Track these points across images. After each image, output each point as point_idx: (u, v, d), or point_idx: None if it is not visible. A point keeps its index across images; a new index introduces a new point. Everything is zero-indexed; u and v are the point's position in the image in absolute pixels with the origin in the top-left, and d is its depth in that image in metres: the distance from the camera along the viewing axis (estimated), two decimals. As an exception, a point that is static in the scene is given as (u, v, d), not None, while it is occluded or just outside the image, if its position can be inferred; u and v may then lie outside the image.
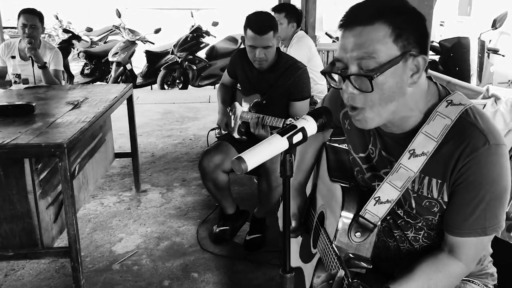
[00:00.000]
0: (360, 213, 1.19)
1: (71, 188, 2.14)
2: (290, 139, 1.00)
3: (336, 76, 1.14)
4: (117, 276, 2.51)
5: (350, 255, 1.17)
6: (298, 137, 1.01)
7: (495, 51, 5.41)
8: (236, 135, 2.78)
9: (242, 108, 2.80)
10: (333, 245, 1.21)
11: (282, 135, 1.00)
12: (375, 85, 1.04)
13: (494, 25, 4.66)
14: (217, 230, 2.84)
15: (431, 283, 1.14)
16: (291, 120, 2.35)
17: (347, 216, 1.22)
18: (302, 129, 1.02)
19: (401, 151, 1.15)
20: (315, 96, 3.83)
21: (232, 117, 2.89)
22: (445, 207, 1.16)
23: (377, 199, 1.18)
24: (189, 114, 5.88)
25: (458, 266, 1.16)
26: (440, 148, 1.10)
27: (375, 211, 1.18)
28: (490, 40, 5.88)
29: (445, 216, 1.17)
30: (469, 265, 1.18)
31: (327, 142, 1.58)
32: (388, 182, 1.16)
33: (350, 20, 1.07)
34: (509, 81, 5.96)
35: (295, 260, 1.54)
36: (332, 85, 1.16)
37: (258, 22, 2.50)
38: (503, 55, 5.47)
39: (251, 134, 2.62)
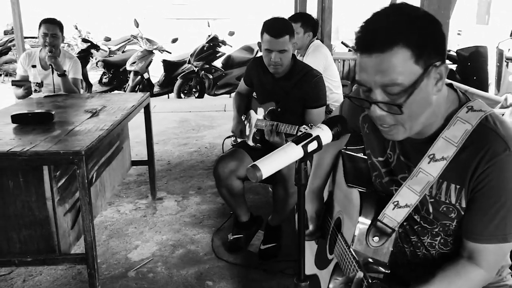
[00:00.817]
0: (378, 218, 1.19)
1: (89, 195, 2.17)
2: (305, 147, 1.00)
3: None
4: (132, 283, 2.52)
5: (369, 259, 1.17)
6: (313, 146, 1.02)
7: (514, 60, 5.34)
8: (251, 143, 2.79)
9: (257, 116, 2.81)
10: (351, 249, 1.21)
11: (297, 144, 1.01)
12: (404, 108, 1.03)
13: (513, 34, 4.61)
14: (232, 238, 2.84)
15: (451, 286, 1.13)
16: (305, 127, 2.35)
17: (365, 221, 1.22)
18: (317, 138, 1.03)
19: (419, 157, 1.15)
20: (331, 105, 3.83)
21: (247, 125, 2.90)
22: (462, 213, 1.15)
23: (396, 203, 1.18)
24: (205, 123, 5.92)
25: (478, 272, 1.15)
26: (460, 153, 1.10)
27: (393, 215, 1.18)
28: (509, 49, 5.81)
29: (464, 222, 1.16)
30: (490, 272, 1.17)
31: (343, 150, 1.58)
32: (407, 186, 1.16)
33: (367, 45, 1.04)
34: (528, 90, 5.87)
35: (310, 268, 1.54)
36: (358, 105, 1.14)
37: (274, 26, 2.53)
38: (522, 64, 5.40)
39: (266, 141, 2.62)
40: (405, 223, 1.25)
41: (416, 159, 1.16)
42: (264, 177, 0.95)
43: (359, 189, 1.31)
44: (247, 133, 2.86)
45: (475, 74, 5.13)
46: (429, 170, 1.13)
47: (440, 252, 1.25)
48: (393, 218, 1.18)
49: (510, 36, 4.73)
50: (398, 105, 1.02)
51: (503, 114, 2.34)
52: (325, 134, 1.05)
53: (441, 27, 1.07)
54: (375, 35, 1.03)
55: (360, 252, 1.20)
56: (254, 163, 0.95)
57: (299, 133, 2.34)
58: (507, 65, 5.28)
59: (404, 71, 1.01)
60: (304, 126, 2.40)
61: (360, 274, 1.09)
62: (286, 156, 0.99)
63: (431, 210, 1.19)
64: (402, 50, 1.00)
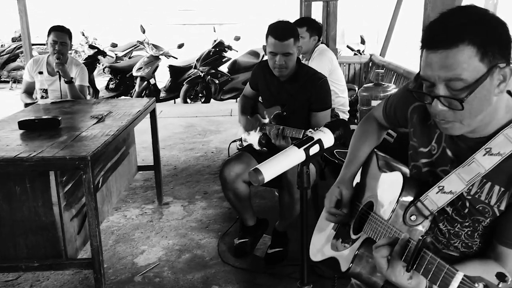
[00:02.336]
0: (420, 198, 1.21)
1: (95, 201, 2.19)
2: (307, 151, 1.01)
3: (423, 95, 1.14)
4: (139, 288, 2.53)
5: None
6: (315, 149, 1.02)
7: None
8: (257, 147, 2.80)
9: (264, 120, 2.81)
10: (388, 223, 1.22)
11: (299, 147, 1.01)
12: (465, 104, 1.05)
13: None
14: (238, 242, 2.84)
15: (488, 271, 1.13)
16: (311, 131, 2.35)
17: (406, 199, 1.23)
18: (319, 141, 1.03)
19: (468, 154, 1.16)
20: (337, 109, 3.83)
21: (254, 129, 2.90)
22: (497, 214, 1.16)
23: (441, 188, 1.19)
24: (211, 127, 5.94)
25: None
26: (511, 157, 1.11)
27: (436, 199, 1.19)
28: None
29: (499, 224, 1.17)
30: None
31: (377, 152, 1.58)
32: (457, 174, 1.17)
33: (434, 43, 1.07)
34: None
35: (325, 252, 1.53)
36: (420, 101, 1.17)
37: (279, 29, 2.54)
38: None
39: (272, 145, 2.62)
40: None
41: (464, 156, 1.18)
42: (266, 180, 0.96)
43: (402, 173, 1.31)
44: (253, 137, 2.87)
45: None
46: (482, 162, 1.13)
47: (464, 243, 1.26)
48: (435, 201, 1.19)
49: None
50: (460, 100, 1.04)
51: None
52: (327, 137, 1.05)
53: (508, 30, 1.09)
54: (442, 32, 1.06)
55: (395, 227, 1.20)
56: (256, 166, 0.96)
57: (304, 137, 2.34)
58: None
59: (468, 67, 1.03)
60: (310, 130, 2.40)
61: (405, 235, 1.09)
62: (288, 159, 1.00)
63: (467, 204, 1.20)
64: (468, 47, 1.03)
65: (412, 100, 1.35)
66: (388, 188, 1.31)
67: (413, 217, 1.21)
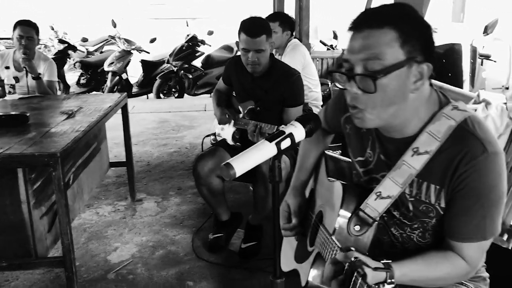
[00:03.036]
0: (361, 207, 1.21)
1: (65, 198, 2.15)
2: (278, 145, 1.01)
3: (342, 76, 1.16)
4: (112, 285, 2.50)
5: (350, 248, 1.18)
6: (286, 143, 1.02)
7: (487, 57, 5.45)
8: (230, 142, 2.79)
9: (238, 114, 2.81)
10: (333, 237, 1.23)
11: (271, 141, 1.01)
12: (378, 87, 1.06)
13: (486, 31, 4.71)
14: (212, 237, 2.84)
15: (437, 266, 1.15)
16: (283, 127, 2.36)
17: (347, 210, 1.24)
18: (290, 135, 1.03)
19: (398, 155, 1.17)
20: (310, 104, 3.85)
21: (227, 124, 2.89)
22: (441, 212, 1.18)
23: (378, 194, 1.20)
24: (185, 123, 5.89)
25: (463, 262, 1.18)
26: (441, 153, 1.13)
27: (375, 205, 1.20)
28: (483, 46, 5.92)
29: (446, 222, 1.19)
30: (473, 266, 1.20)
31: (326, 152, 1.60)
32: (390, 178, 1.19)
33: (360, 23, 1.11)
34: (502, 86, 5.98)
35: (290, 263, 1.55)
36: (337, 85, 1.19)
37: (251, 26, 2.54)
38: (494, 61, 5.51)
39: (246, 140, 2.62)
40: (385, 216, 1.27)
41: (395, 158, 1.19)
42: (237, 175, 0.96)
43: (342, 182, 1.33)
44: (227, 132, 2.86)
45: (450, 71, 5.20)
46: (412, 163, 1.15)
47: (418, 244, 1.27)
48: (375, 208, 1.20)
49: (484, 33, 4.82)
50: (374, 78, 1.05)
51: (475, 110, 2.39)
52: (298, 131, 1.05)
53: (432, 34, 1.12)
54: (370, 15, 1.12)
55: (341, 240, 1.22)
56: (228, 161, 0.95)
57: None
58: (481, 62, 5.38)
59: (387, 50, 1.06)
60: (283, 126, 2.40)
61: (341, 254, 1.10)
62: (259, 153, 1.00)
63: (411, 208, 1.21)
64: (391, 31, 1.06)
65: (344, 110, 1.36)
66: (333, 198, 1.32)
67: (357, 227, 1.21)
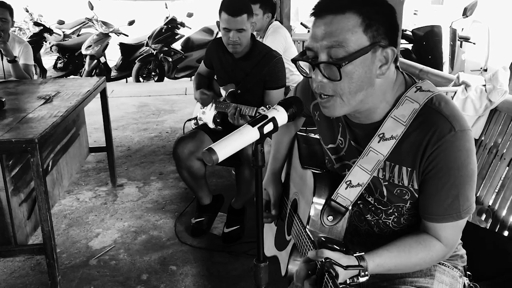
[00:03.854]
0: (332, 197, 1.21)
1: (44, 184, 2.11)
2: (261, 129, 1.00)
3: (306, 65, 1.14)
4: (94, 271, 2.48)
5: (323, 238, 1.18)
6: (269, 127, 1.01)
7: (466, 39, 5.50)
8: (211, 125, 2.77)
9: (219, 98, 2.79)
10: (306, 229, 1.22)
11: (253, 126, 1.00)
12: (343, 74, 1.05)
13: (465, 13, 4.74)
14: (194, 221, 2.83)
15: (411, 252, 1.16)
16: (263, 109, 2.35)
17: (319, 201, 1.23)
18: (273, 119, 1.02)
19: (368, 140, 1.17)
20: (291, 87, 3.84)
21: (209, 106, 2.87)
22: (416, 194, 1.18)
23: (348, 183, 1.20)
24: (165, 107, 5.83)
25: (438, 244, 1.18)
26: (408, 135, 1.13)
27: (346, 194, 1.20)
28: (462, 29, 5.97)
29: (420, 203, 1.19)
30: (450, 246, 1.20)
31: (299, 132, 1.59)
32: (359, 166, 1.18)
33: (322, 9, 1.08)
34: (481, 68, 6.07)
35: (270, 249, 1.55)
36: (302, 74, 1.17)
37: (232, 4, 2.51)
38: (474, 43, 5.57)
39: (227, 124, 2.61)
40: (359, 203, 1.28)
41: (365, 143, 1.18)
42: (220, 160, 0.94)
43: (313, 170, 1.32)
44: (208, 116, 2.84)
45: (430, 53, 5.25)
46: (379, 149, 1.15)
47: (393, 230, 1.28)
48: (346, 197, 1.20)
49: (463, 15, 4.86)
50: (338, 65, 1.04)
51: (455, 92, 2.41)
52: (281, 115, 1.04)
53: (396, 17, 1.11)
54: (332, 0, 1.08)
55: (315, 231, 1.22)
56: (210, 146, 0.94)
57: (258, 114, 2.34)
58: (460, 44, 5.43)
59: (351, 36, 1.04)
60: (262, 108, 2.40)
61: (312, 252, 1.10)
62: (242, 138, 0.98)
63: (385, 193, 1.21)
64: (354, 16, 1.04)
65: (312, 97, 1.36)
66: (306, 187, 1.32)
67: (330, 218, 1.21)
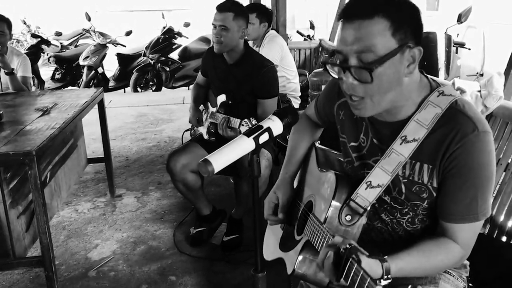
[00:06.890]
0: (351, 197, 1.22)
1: (42, 196, 2.11)
2: (256, 139, 1.01)
3: (335, 67, 1.16)
4: (93, 283, 2.48)
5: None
6: (264, 137, 1.02)
7: (462, 45, 5.52)
8: (205, 136, 2.78)
9: (212, 108, 2.80)
10: (324, 226, 1.23)
11: (249, 136, 1.01)
12: (374, 77, 1.08)
13: (460, 19, 4.76)
14: (194, 231, 2.83)
15: (431, 255, 1.16)
16: (245, 121, 2.34)
17: (339, 200, 1.25)
18: (268, 129, 1.03)
19: (392, 139, 1.19)
20: (288, 94, 3.85)
21: (205, 117, 2.88)
22: (434, 193, 1.20)
23: (368, 183, 1.21)
24: (163, 116, 5.84)
25: (456, 246, 1.18)
26: (431, 134, 1.15)
27: (366, 195, 1.21)
28: (457, 34, 5.99)
29: (438, 203, 1.20)
30: (466, 249, 1.20)
31: (316, 145, 1.60)
32: (380, 167, 1.20)
33: (350, 13, 1.10)
34: (477, 73, 6.08)
35: (274, 252, 1.55)
36: (332, 75, 1.18)
37: (222, 2, 2.59)
38: (469, 49, 5.59)
39: (220, 135, 2.60)
40: (375, 203, 1.28)
41: (388, 142, 1.21)
42: (216, 171, 0.95)
43: (335, 172, 1.33)
44: (203, 126, 2.85)
45: (425, 59, 5.25)
46: (400, 150, 1.17)
47: (407, 230, 1.29)
48: (366, 197, 1.21)
49: (458, 21, 4.88)
50: (369, 70, 1.06)
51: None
52: (276, 125, 1.05)
53: (421, 16, 1.13)
54: (359, 4, 1.10)
55: (332, 230, 1.22)
56: (205, 157, 0.95)
57: (242, 126, 2.33)
58: (456, 50, 5.44)
59: (380, 40, 1.06)
60: (245, 120, 2.37)
61: (339, 237, 1.10)
62: (237, 149, 0.99)
63: (403, 190, 1.22)
64: (382, 20, 1.06)
65: (337, 97, 1.40)
66: (325, 188, 1.33)
67: (348, 217, 1.22)
